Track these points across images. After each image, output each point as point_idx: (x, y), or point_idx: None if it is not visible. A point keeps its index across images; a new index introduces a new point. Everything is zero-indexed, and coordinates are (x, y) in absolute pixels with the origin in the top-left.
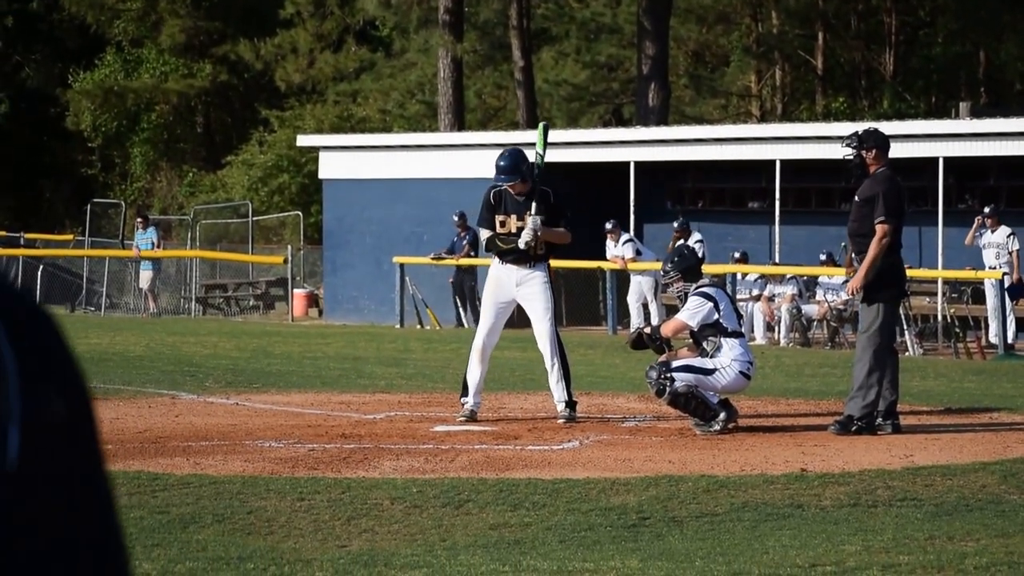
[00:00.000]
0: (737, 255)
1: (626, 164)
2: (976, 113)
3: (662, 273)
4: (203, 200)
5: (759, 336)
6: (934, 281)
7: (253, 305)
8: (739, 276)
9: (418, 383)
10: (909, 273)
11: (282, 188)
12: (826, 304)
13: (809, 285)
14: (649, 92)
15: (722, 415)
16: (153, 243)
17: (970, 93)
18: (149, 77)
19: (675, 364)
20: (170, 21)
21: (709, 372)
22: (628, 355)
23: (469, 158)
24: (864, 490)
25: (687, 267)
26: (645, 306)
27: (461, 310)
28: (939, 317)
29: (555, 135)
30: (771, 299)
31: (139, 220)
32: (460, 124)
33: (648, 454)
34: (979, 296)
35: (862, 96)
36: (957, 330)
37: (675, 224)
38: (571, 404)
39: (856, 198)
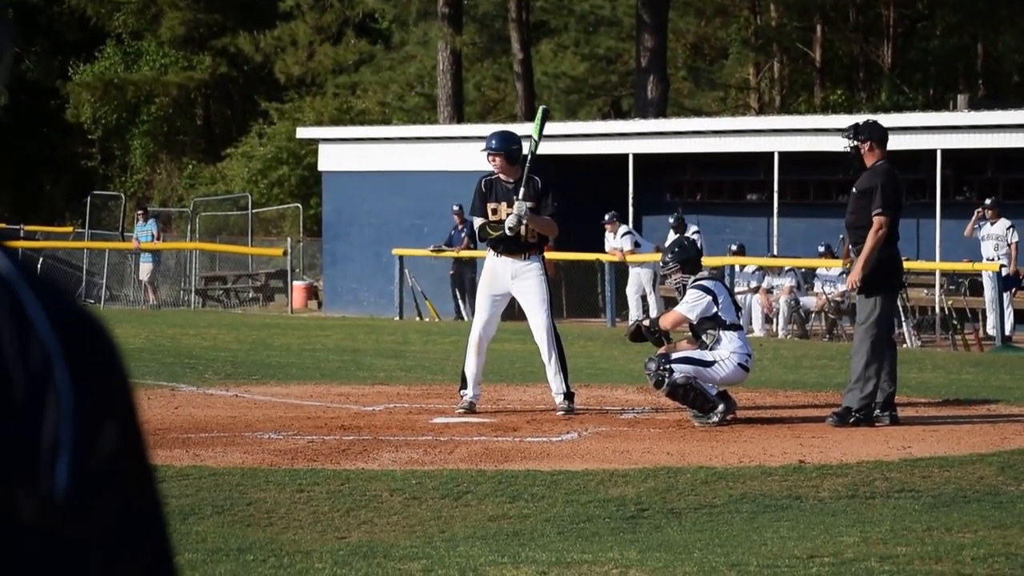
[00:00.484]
0: (734, 247)
1: (625, 156)
2: (974, 106)
3: (661, 264)
4: (203, 192)
5: (757, 328)
6: (932, 273)
7: (252, 297)
8: (737, 268)
9: (417, 375)
10: (907, 265)
11: (281, 180)
12: (824, 296)
13: (807, 277)
14: (648, 85)
15: (720, 407)
16: (153, 235)
17: (968, 86)
18: (149, 70)
19: (674, 356)
20: (170, 14)
21: (708, 364)
22: (627, 347)
23: (468, 150)
24: (862, 481)
25: (686, 259)
26: (644, 298)
27: (460, 302)
28: (937, 309)
29: (554, 127)
30: (769, 291)
31: (139, 212)
32: (459, 116)
33: (646, 446)
34: (977, 288)
35: (860, 89)
36: (955, 322)
37: (670, 219)
38: (569, 396)
39: (854, 190)
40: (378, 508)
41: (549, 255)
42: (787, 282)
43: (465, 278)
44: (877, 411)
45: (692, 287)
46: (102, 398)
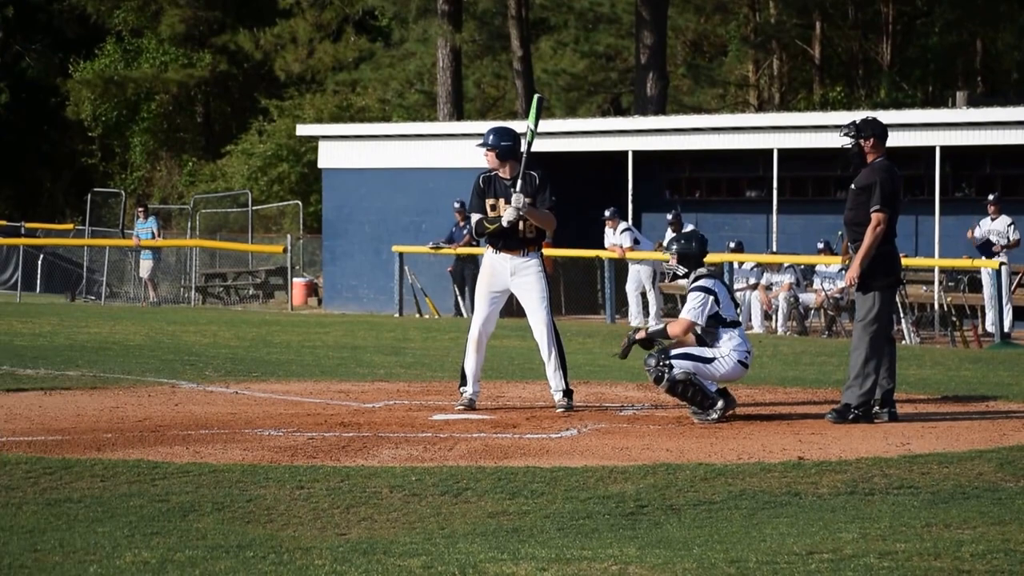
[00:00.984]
0: (733, 244)
1: (624, 153)
2: (973, 102)
3: (665, 247)
4: (203, 189)
5: (756, 325)
6: (931, 270)
7: (252, 294)
8: (736, 265)
9: (417, 372)
10: (906, 262)
11: (281, 177)
12: (823, 293)
13: (806, 274)
14: (647, 82)
15: (720, 403)
16: (153, 232)
17: (967, 82)
18: (149, 67)
19: (673, 352)
20: (170, 11)
21: (707, 361)
22: None
23: (468, 147)
24: (861, 478)
25: (686, 253)
26: (643, 295)
27: (460, 299)
28: (936, 306)
29: (554, 124)
30: (768, 288)
31: (139, 210)
32: (459, 114)
33: (646, 442)
34: (976, 285)
35: (859, 85)
36: (954, 318)
37: (668, 215)
38: (568, 393)
39: (853, 187)
40: (378, 505)
41: (547, 251)
42: (786, 279)
43: (465, 274)
44: (876, 408)
45: (692, 289)
46: None
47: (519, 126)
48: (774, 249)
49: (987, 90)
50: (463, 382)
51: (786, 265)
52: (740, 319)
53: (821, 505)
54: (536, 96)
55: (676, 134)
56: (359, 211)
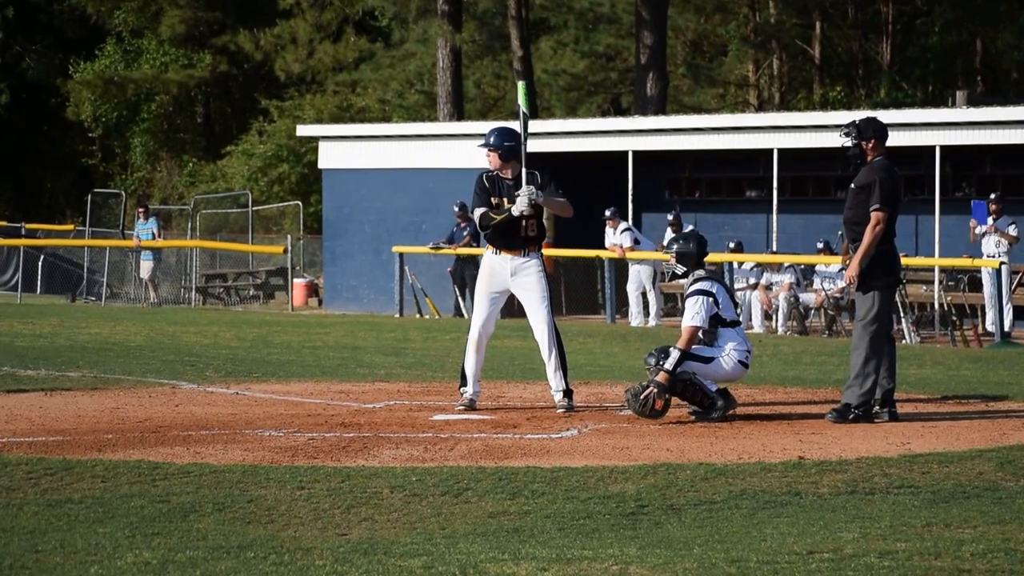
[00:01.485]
0: (733, 244)
1: (624, 154)
2: (973, 102)
3: (665, 248)
4: (203, 190)
5: (757, 324)
6: (931, 269)
7: (253, 295)
8: (736, 265)
9: (417, 372)
10: (906, 261)
11: (282, 178)
12: (823, 292)
13: (806, 274)
14: (647, 82)
15: (720, 403)
16: (153, 233)
17: (967, 82)
18: (149, 67)
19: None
20: (170, 11)
21: (708, 360)
22: (626, 343)
23: (468, 148)
24: (861, 478)
25: (685, 253)
26: (644, 295)
27: (460, 299)
28: (936, 305)
29: (554, 125)
30: (768, 288)
31: (140, 210)
32: (459, 114)
33: (646, 442)
34: (976, 284)
35: (859, 85)
36: (954, 318)
37: (669, 215)
38: (568, 393)
39: (852, 186)
40: (378, 505)
41: (547, 252)
42: (786, 278)
43: (465, 275)
44: (876, 407)
45: (690, 294)
46: None
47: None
48: (774, 249)
49: (987, 90)
50: (463, 383)
51: (786, 265)
52: (740, 319)
53: (822, 505)
54: (520, 83)
55: (676, 134)
56: (359, 211)
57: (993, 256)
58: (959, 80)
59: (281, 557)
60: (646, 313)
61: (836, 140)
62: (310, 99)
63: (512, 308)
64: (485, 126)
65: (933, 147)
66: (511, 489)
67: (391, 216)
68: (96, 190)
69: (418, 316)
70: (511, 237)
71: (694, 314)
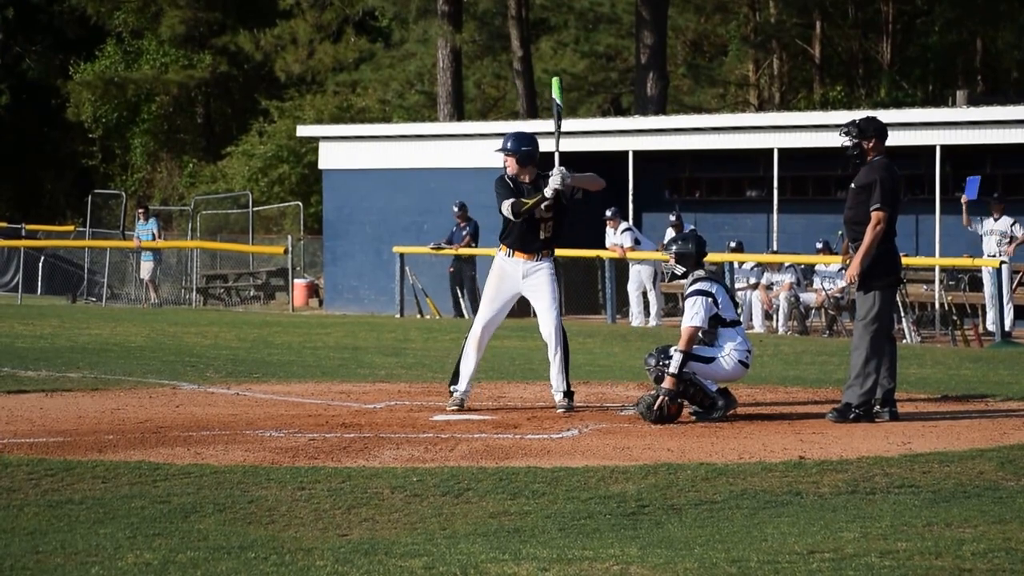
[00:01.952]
0: (733, 244)
1: (625, 153)
2: (973, 101)
3: (664, 248)
4: (203, 190)
5: (757, 324)
6: (931, 269)
7: (254, 295)
8: (736, 265)
9: (418, 372)
10: (906, 261)
11: (282, 178)
12: (823, 292)
13: (807, 273)
14: (647, 81)
15: (721, 403)
16: (154, 234)
17: (967, 81)
18: (149, 68)
19: (673, 352)
20: (170, 12)
21: (708, 360)
22: (627, 343)
23: (468, 148)
24: (862, 477)
25: (684, 253)
26: (644, 295)
27: (460, 300)
28: (936, 305)
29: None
30: (769, 287)
31: (140, 211)
32: (459, 114)
33: (647, 442)
34: (976, 284)
35: (859, 85)
36: (954, 318)
37: (671, 215)
38: (569, 393)
39: (852, 186)
40: (379, 505)
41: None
42: (787, 278)
43: (464, 275)
44: (877, 407)
45: (689, 295)
46: None
47: (520, 126)
48: (775, 249)
49: (987, 89)
50: (454, 381)
51: (787, 265)
52: (740, 319)
53: (822, 504)
54: (555, 79)
55: (676, 134)
56: (360, 212)
57: (994, 255)
58: (959, 79)
59: (282, 558)
60: (647, 313)
61: (836, 140)
62: (310, 99)
63: (513, 308)
64: (486, 126)
65: (933, 146)
66: (512, 489)
67: (391, 216)
68: (96, 191)
69: (419, 316)
70: (528, 239)
71: (693, 315)
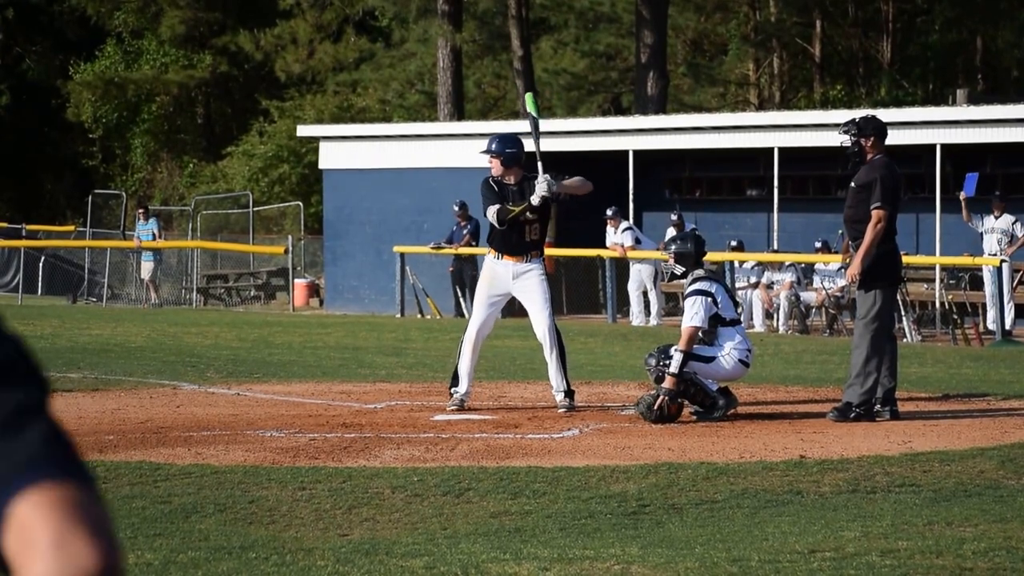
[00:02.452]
0: (733, 243)
1: (625, 153)
2: (973, 100)
3: (664, 247)
4: (203, 191)
5: (758, 323)
6: (932, 268)
7: (254, 295)
8: (737, 264)
9: (418, 372)
10: (907, 260)
11: (282, 178)
12: (824, 291)
13: (807, 272)
14: (648, 81)
15: (721, 402)
16: (154, 234)
17: (967, 80)
18: (149, 68)
19: (674, 351)
20: (170, 12)
21: (708, 360)
22: (627, 343)
23: (469, 147)
24: (863, 476)
25: (682, 252)
26: (645, 294)
27: (461, 299)
28: (937, 304)
29: (555, 124)
30: (769, 287)
31: (140, 211)
32: (460, 114)
33: (648, 442)
34: (977, 283)
35: (860, 84)
36: (955, 316)
37: (672, 215)
38: (570, 393)
39: (852, 184)
40: (380, 505)
41: (548, 251)
42: (787, 277)
43: (465, 275)
44: (878, 406)
45: (688, 295)
46: None
47: (520, 126)
48: (775, 248)
49: (987, 88)
50: (454, 382)
51: (787, 264)
52: (740, 318)
53: (823, 503)
54: (527, 95)
55: (677, 133)
56: (360, 212)
57: (995, 253)
58: (959, 78)
59: (283, 558)
60: (647, 312)
61: (836, 139)
62: (310, 99)
63: (513, 308)
64: (486, 126)
65: (934, 145)
66: (513, 489)
67: (392, 216)
68: (97, 191)
69: (419, 316)
70: (515, 242)
71: (693, 315)
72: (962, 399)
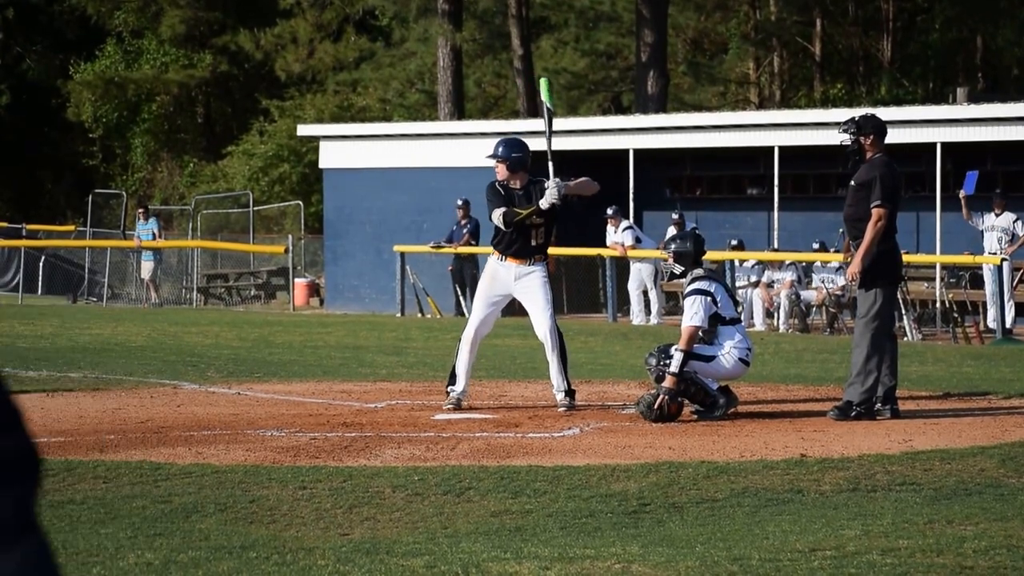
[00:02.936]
0: (734, 242)
1: (625, 152)
2: (973, 99)
3: (663, 247)
4: (204, 190)
5: (758, 322)
6: (932, 266)
7: (254, 295)
8: (737, 263)
9: (419, 371)
10: (907, 258)
11: (283, 178)
12: (824, 290)
13: (807, 271)
14: (648, 80)
15: (722, 401)
16: (154, 234)
17: (967, 79)
18: (149, 68)
19: (674, 351)
20: (170, 12)
21: (708, 359)
22: (628, 342)
23: (469, 147)
24: (863, 475)
25: (681, 252)
26: (645, 293)
27: (461, 298)
28: (937, 302)
29: (555, 123)
30: (770, 285)
31: (140, 211)
32: (460, 113)
33: (648, 441)
34: (977, 281)
35: (860, 82)
36: (955, 315)
37: (674, 214)
38: (570, 392)
39: (852, 183)
40: (380, 505)
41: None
42: (788, 276)
43: (465, 274)
44: (878, 405)
45: (688, 294)
46: None
47: (520, 125)
48: (775, 246)
49: (988, 86)
50: (451, 381)
51: (787, 262)
52: (740, 317)
53: (824, 502)
54: (542, 80)
55: (677, 132)
56: (360, 211)
57: (995, 252)
58: (960, 77)
59: (283, 557)
60: (648, 311)
61: (837, 137)
62: (310, 99)
63: (513, 307)
64: (486, 125)
65: (934, 144)
66: (513, 488)
67: (392, 215)
68: (97, 191)
69: (420, 316)
70: (520, 246)
71: (693, 314)
72: (963, 398)
